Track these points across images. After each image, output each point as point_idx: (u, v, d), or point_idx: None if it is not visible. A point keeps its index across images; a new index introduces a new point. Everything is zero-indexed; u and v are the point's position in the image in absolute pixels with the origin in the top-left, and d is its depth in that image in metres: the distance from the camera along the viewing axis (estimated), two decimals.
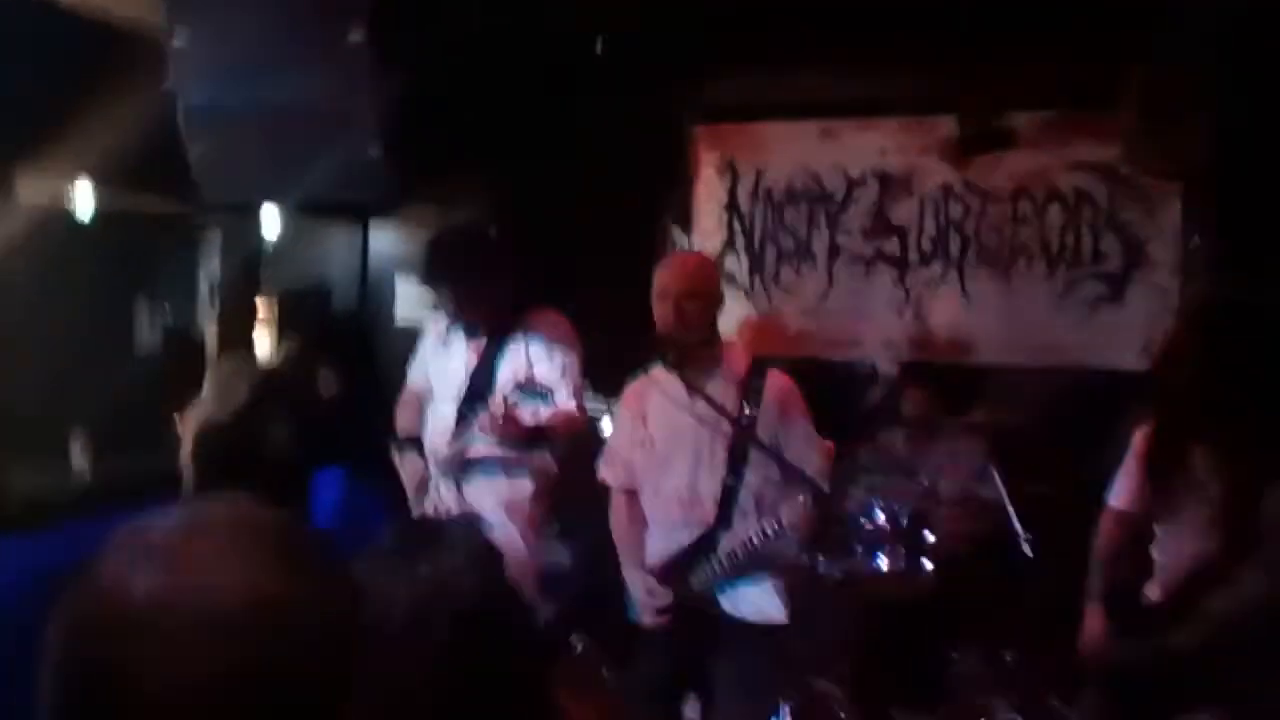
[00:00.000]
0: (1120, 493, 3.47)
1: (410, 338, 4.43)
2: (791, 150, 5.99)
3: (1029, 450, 4.85)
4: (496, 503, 3.93)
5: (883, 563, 4.62)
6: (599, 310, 4.31)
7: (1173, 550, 3.33)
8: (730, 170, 6.10)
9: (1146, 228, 5.35)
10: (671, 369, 3.57)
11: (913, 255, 5.79)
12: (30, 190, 4.35)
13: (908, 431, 5.24)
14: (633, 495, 3.72)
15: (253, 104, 3.45)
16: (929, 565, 4.61)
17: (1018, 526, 4.55)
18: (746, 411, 3.52)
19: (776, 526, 3.42)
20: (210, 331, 5.58)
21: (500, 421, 3.78)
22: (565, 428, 3.99)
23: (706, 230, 6.12)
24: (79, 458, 4.74)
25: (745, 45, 5.24)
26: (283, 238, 5.69)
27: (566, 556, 5.10)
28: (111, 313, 5.04)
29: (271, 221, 5.52)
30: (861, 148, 5.85)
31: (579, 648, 4.43)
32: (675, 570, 3.57)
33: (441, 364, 4.12)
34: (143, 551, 0.97)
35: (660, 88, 5.61)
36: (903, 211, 5.80)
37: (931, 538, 4.68)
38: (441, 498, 4.02)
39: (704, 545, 3.54)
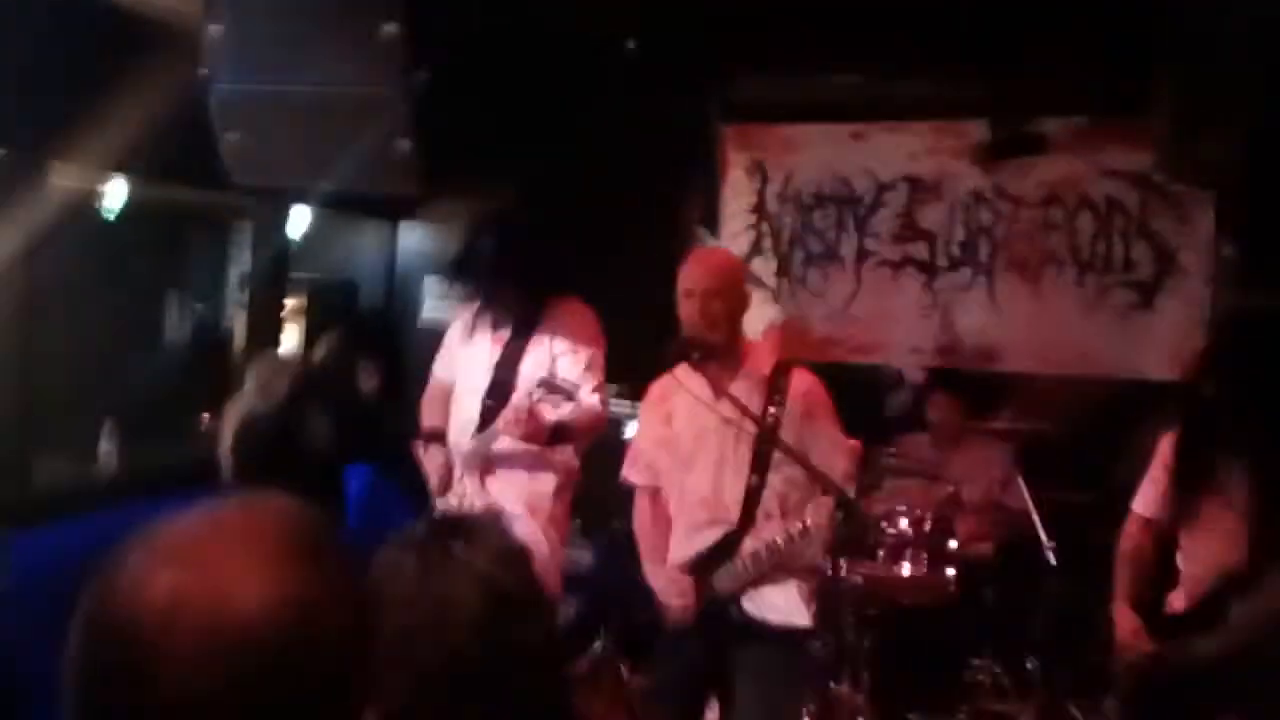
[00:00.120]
0: (1147, 500, 3.45)
1: (436, 335, 4.44)
2: (821, 152, 5.98)
3: (1054, 458, 4.82)
4: (518, 499, 3.93)
5: (906, 568, 4.61)
6: (625, 309, 4.30)
7: (1199, 558, 3.31)
8: (759, 171, 6.09)
9: (1178, 236, 5.32)
10: (696, 368, 3.56)
11: (941, 260, 5.78)
12: (62, 181, 4.38)
13: (933, 437, 5.23)
14: (656, 494, 3.71)
15: (285, 93, 3.48)
16: (952, 571, 4.60)
17: (1042, 534, 4.53)
18: (771, 412, 3.51)
19: (800, 529, 3.41)
20: (239, 324, 5.61)
21: (523, 418, 3.78)
22: (587, 425, 3.99)
23: (734, 231, 6.11)
24: (107, 448, 4.77)
25: (776, 47, 5.23)
26: (312, 232, 5.71)
27: (589, 555, 5.10)
28: (141, 305, 5.08)
29: (301, 216, 5.54)
30: (892, 151, 5.84)
31: (600, 648, 4.44)
32: (698, 571, 3.56)
33: (467, 358, 4.13)
34: (160, 555, 0.97)
35: (691, 87, 5.60)
36: (932, 216, 5.78)
37: (955, 544, 4.67)
38: (465, 493, 4.03)
39: (727, 546, 3.53)
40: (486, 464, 3.99)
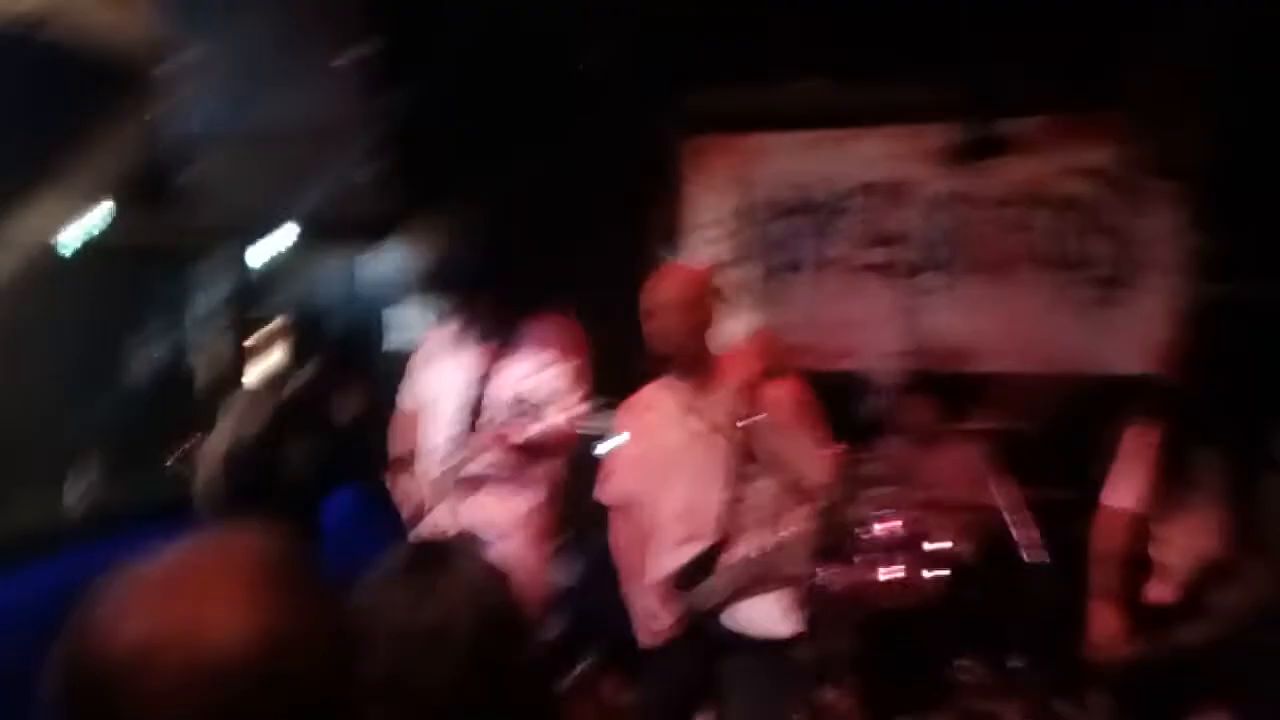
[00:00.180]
0: (1119, 493, 3.47)
1: (401, 363, 4.40)
2: (783, 161, 5.99)
3: (1029, 456, 4.84)
4: (495, 520, 3.91)
5: (885, 572, 4.60)
6: (593, 327, 4.29)
7: (1177, 547, 3.33)
8: (722, 182, 6.09)
9: (1143, 230, 5.36)
10: (667, 384, 3.55)
11: (907, 264, 5.79)
12: (22, 221, 4.33)
13: (908, 440, 5.23)
14: (633, 512, 3.70)
15: (246, 127, 3.47)
16: (932, 573, 4.60)
17: (1019, 533, 4.54)
18: (743, 424, 3.49)
19: (778, 541, 3.40)
20: (202, 361, 5.56)
21: (493, 440, 3.76)
22: (559, 444, 3.97)
23: (698, 244, 6.11)
24: (74, 487, 4.71)
25: (736, 56, 5.24)
26: (278, 261, 5.67)
27: (571, 573, 5.07)
28: (103, 342, 5.02)
29: (266, 246, 5.50)
30: (854, 157, 5.85)
31: (586, 665, 4.41)
32: (678, 586, 3.55)
33: (437, 379, 4.11)
34: (133, 593, 0.97)
35: (650, 101, 5.60)
36: (896, 220, 5.80)
37: (933, 545, 4.67)
38: (438, 519, 3.99)
39: (706, 561, 3.51)
40: (461, 487, 3.97)
